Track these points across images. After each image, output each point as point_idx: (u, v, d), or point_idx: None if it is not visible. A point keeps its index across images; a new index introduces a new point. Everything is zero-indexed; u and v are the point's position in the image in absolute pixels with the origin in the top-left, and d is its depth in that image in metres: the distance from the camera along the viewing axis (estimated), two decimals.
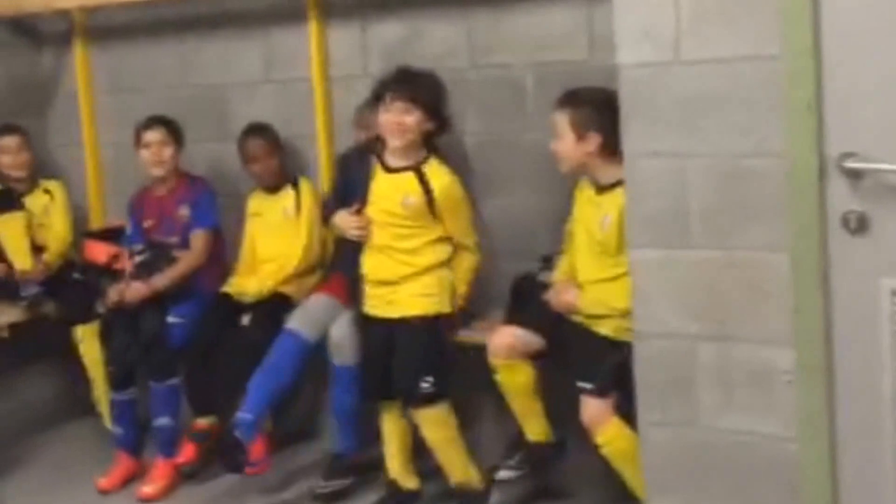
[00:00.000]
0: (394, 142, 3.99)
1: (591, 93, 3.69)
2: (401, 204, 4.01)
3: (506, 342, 3.83)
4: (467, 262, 4.12)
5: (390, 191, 4.04)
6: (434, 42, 4.50)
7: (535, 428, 3.90)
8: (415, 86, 3.99)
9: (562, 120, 3.71)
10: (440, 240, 4.05)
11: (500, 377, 3.86)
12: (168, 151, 4.73)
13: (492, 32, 4.39)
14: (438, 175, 4.03)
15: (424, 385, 3.94)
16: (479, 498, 4.01)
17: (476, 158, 4.45)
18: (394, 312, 4.03)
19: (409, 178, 4.01)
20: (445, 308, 4.04)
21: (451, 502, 4.10)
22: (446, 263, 4.06)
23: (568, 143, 3.70)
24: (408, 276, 4.02)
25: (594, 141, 3.64)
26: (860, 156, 2.75)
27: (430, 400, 3.98)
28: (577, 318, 3.76)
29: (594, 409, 3.58)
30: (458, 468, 4.07)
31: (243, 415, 4.13)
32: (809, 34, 2.76)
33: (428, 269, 4.02)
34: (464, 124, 4.45)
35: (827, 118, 2.78)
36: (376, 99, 4.04)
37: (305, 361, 4.28)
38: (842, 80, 2.76)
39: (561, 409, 3.79)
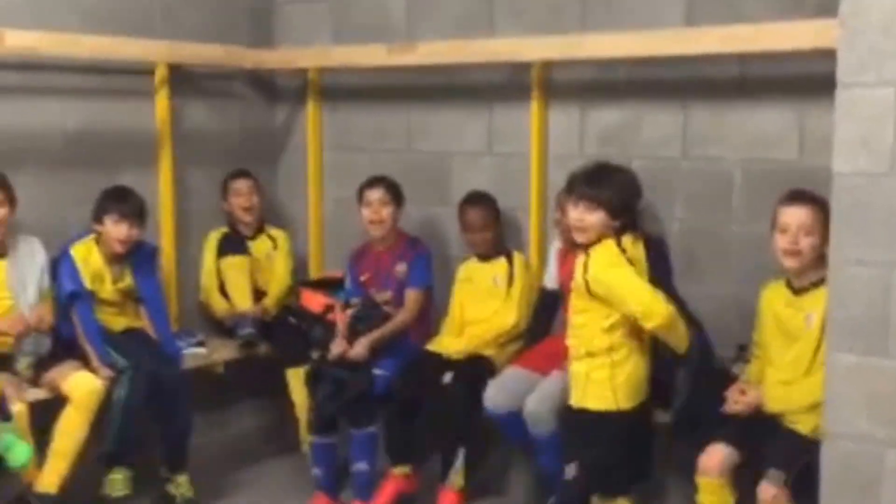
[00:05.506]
0: (576, 237, 4.17)
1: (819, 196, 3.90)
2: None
3: (717, 459, 3.99)
4: None
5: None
6: (650, 130, 4.84)
7: None
8: (602, 186, 4.06)
9: (812, 217, 3.90)
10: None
11: (703, 498, 4.02)
12: (387, 210, 5.14)
13: (706, 125, 4.71)
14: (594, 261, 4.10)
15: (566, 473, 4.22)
16: None
17: (679, 245, 4.75)
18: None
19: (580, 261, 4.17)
20: (593, 403, 4.10)
21: None
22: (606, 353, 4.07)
23: (815, 239, 3.90)
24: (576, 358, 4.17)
25: (824, 240, 3.82)
26: None
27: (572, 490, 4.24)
28: (778, 419, 3.98)
29: (774, 493, 3.80)
30: None
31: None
32: None
33: (589, 355, 4.10)
34: (671, 211, 4.79)
35: None
36: (568, 191, 4.24)
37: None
38: None
39: None
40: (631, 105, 4.89)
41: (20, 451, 4.17)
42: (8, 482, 4.38)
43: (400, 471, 4.93)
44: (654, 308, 3.94)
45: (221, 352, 5.40)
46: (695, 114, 4.73)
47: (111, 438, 4.69)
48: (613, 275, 4.01)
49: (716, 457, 3.99)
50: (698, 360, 4.10)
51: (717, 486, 3.98)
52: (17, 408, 4.34)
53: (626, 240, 4.09)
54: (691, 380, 4.09)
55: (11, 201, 4.66)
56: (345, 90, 5.83)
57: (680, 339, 4.03)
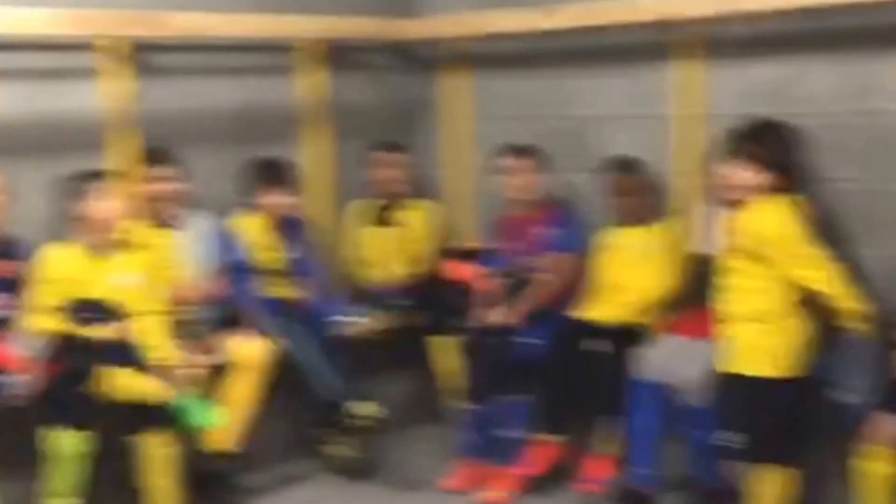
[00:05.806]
0: (735, 196, 4.04)
1: None
2: None
3: (884, 429, 3.79)
4: None
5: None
6: (813, 85, 4.59)
7: None
8: (763, 144, 3.99)
9: None
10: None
11: (864, 464, 3.84)
12: (529, 177, 5.06)
13: (879, 77, 4.42)
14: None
15: (733, 442, 4.02)
16: None
17: (846, 205, 4.45)
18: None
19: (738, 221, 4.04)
20: (750, 368, 3.99)
21: None
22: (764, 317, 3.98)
23: None
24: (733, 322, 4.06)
25: None
26: None
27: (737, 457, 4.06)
28: None
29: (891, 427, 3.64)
30: None
31: (638, 470, 4.49)
32: None
33: (746, 319, 4.01)
34: (835, 170, 4.48)
35: None
36: (729, 150, 4.09)
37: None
38: None
39: None
40: (789, 60, 4.64)
41: (210, 413, 4.43)
42: (184, 441, 4.53)
43: (550, 438, 4.82)
44: (817, 265, 3.83)
45: (371, 321, 5.35)
46: (861, 64, 4.45)
47: (326, 392, 4.91)
48: (782, 231, 3.89)
49: (882, 427, 3.79)
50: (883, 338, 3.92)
51: (880, 455, 3.80)
52: (194, 372, 4.53)
53: (788, 199, 3.92)
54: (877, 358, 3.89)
55: (184, 177, 4.91)
56: (488, 58, 5.74)
57: (846, 301, 3.87)
